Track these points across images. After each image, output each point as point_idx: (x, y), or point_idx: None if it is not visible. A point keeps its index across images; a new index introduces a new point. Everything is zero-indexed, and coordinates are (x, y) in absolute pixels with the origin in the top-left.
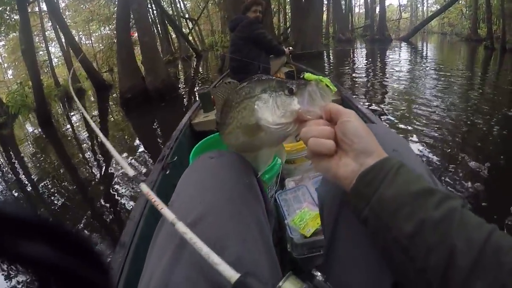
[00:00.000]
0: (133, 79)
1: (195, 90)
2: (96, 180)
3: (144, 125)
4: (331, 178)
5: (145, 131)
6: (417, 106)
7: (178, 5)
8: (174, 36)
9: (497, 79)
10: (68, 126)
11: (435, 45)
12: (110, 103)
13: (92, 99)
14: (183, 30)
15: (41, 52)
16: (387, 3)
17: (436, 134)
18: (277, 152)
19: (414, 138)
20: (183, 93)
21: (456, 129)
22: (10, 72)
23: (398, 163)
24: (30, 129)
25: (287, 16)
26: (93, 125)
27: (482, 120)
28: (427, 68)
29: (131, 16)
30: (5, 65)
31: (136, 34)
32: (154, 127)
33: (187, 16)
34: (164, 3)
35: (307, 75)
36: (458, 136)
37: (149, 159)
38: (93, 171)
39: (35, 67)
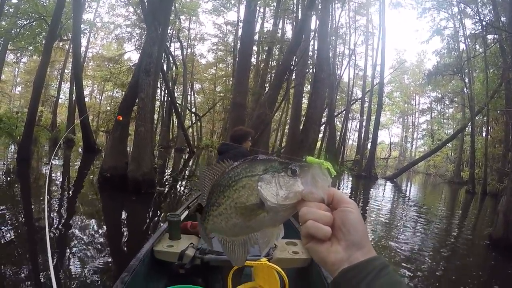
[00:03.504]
0: (117, 161)
1: (167, 215)
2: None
3: (110, 210)
4: (318, 260)
5: (108, 219)
6: (392, 247)
7: (189, 97)
8: (176, 123)
9: (474, 227)
10: (44, 171)
11: (418, 186)
12: (89, 170)
13: (79, 152)
14: (187, 121)
15: (54, 87)
16: (379, 140)
17: (408, 273)
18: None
19: None
20: (159, 191)
21: (429, 273)
22: (19, 88)
23: (381, 265)
24: (6, 160)
25: (284, 136)
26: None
27: (454, 268)
28: (408, 210)
29: (137, 100)
30: (18, 79)
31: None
32: (119, 217)
33: (193, 110)
34: (177, 91)
35: (309, 158)
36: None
37: (99, 262)
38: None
39: (35, 105)
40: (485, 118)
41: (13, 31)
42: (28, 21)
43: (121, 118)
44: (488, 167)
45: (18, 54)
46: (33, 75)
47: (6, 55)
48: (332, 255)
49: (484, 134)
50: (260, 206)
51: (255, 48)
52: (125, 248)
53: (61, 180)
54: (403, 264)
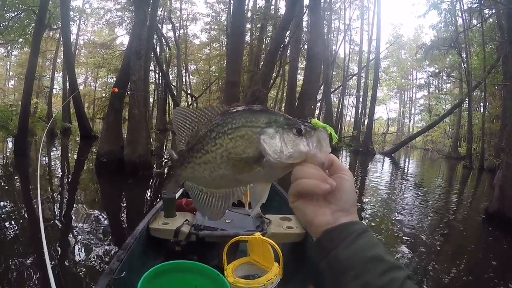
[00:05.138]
0: (113, 145)
1: (162, 193)
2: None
3: (108, 194)
4: (305, 222)
5: (105, 202)
6: (389, 221)
7: (184, 79)
8: (172, 105)
9: (470, 201)
10: (41, 161)
11: (416, 161)
12: (87, 158)
13: (76, 140)
14: (183, 102)
15: (47, 77)
16: (377, 116)
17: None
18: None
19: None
20: (157, 173)
21: (424, 247)
22: (12, 82)
23: (362, 229)
24: (3, 154)
25: None
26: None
27: (450, 242)
28: (405, 185)
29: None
30: (10, 73)
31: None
32: (116, 199)
33: (189, 91)
34: (172, 73)
35: (314, 120)
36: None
37: (96, 243)
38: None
39: (28, 97)
40: (483, 93)
41: (1, 25)
42: (16, 13)
43: (116, 90)
44: (485, 143)
45: (9, 47)
46: (25, 67)
47: None
48: (319, 217)
49: (481, 109)
50: (257, 160)
51: (248, 26)
52: (123, 229)
53: (59, 168)
54: (399, 238)
